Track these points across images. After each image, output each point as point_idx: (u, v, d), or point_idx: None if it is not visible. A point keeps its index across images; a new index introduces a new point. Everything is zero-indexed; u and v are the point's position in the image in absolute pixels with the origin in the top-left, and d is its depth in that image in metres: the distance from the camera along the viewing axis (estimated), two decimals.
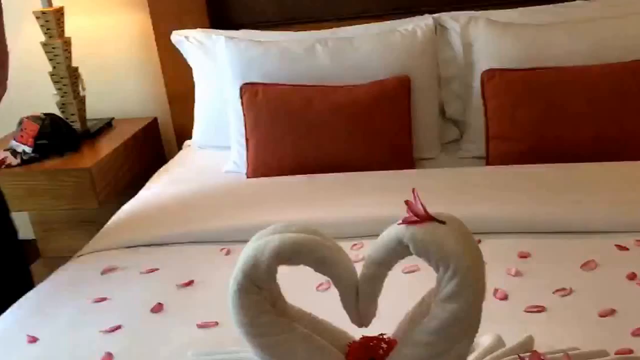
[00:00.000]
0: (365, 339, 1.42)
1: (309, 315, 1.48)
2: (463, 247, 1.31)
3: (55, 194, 3.20)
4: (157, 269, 2.34)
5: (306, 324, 1.43)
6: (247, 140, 3.01)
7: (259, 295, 1.34)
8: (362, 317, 1.40)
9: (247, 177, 2.98)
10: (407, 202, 1.34)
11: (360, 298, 1.38)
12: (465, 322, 1.31)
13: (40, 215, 3.55)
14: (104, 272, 2.36)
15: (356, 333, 1.48)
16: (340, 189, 2.68)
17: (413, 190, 1.36)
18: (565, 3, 3.15)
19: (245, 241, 1.41)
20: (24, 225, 3.51)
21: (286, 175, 2.89)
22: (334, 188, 2.71)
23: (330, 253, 1.35)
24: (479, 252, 1.35)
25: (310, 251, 1.33)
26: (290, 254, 1.32)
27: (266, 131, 2.96)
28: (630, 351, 1.65)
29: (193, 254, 2.42)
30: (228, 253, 2.38)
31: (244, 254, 1.35)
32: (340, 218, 2.42)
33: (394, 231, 1.33)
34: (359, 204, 2.51)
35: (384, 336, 1.43)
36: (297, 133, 2.93)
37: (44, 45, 3.40)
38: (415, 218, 1.32)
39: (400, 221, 1.33)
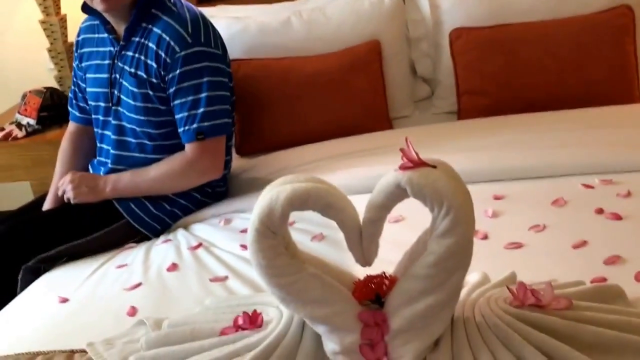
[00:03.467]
0: (369, 277, 1.47)
1: (316, 258, 1.53)
2: (454, 187, 1.36)
3: None
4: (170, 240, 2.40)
5: (316, 265, 1.48)
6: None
7: (274, 239, 1.38)
8: (365, 256, 1.45)
9: (236, 152, 2.96)
10: (402, 150, 1.38)
11: (363, 239, 1.43)
12: (460, 255, 1.37)
13: (41, 185, 3.56)
14: None
15: (359, 274, 1.53)
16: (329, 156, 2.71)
17: (406, 139, 1.40)
18: None
19: None
20: (26, 194, 3.54)
21: (271, 146, 2.92)
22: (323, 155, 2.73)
23: (336, 200, 1.40)
24: (468, 191, 1.41)
25: (319, 198, 1.37)
26: (301, 201, 1.36)
27: (249, 106, 2.95)
28: (604, 279, 1.71)
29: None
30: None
31: (259, 203, 1.39)
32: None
33: (392, 177, 1.38)
34: (348, 166, 2.55)
35: (386, 274, 1.48)
36: (277, 106, 2.94)
37: (42, 23, 3.40)
38: (410, 164, 1.37)
39: (397, 167, 1.38)
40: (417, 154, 1.38)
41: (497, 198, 2.24)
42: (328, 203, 1.38)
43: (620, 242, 1.89)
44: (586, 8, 2.87)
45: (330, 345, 1.42)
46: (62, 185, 2.50)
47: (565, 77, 2.79)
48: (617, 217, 2.00)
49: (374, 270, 1.49)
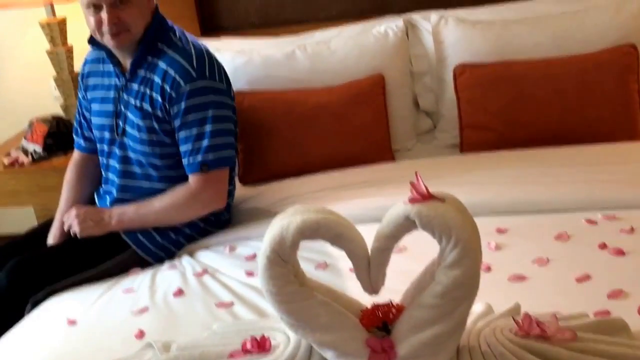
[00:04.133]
0: (377, 305, 1.50)
1: (325, 286, 1.56)
2: (462, 220, 1.40)
3: None
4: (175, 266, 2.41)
5: (324, 292, 1.51)
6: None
7: (284, 267, 1.42)
8: (373, 285, 1.48)
9: (240, 181, 2.99)
10: (411, 184, 1.42)
11: (371, 268, 1.47)
12: (467, 286, 1.41)
13: (44, 210, 3.58)
14: None
15: (366, 302, 1.56)
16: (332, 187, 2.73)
17: (416, 174, 1.44)
18: (529, 0, 3.20)
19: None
20: (30, 219, 3.55)
21: (273, 177, 2.93)
22: (326, 186, 2.75)
23: (345, 230, 1.44)
24: (475, 224, 1.44)
25: (329, 228, 1.41)
26: (312, 231, 1.40)
27: (253, 137, 2.98)
28: (608, 313, 1.72)
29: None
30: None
31: (270, 231, 1.42)
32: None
33: (401, 209, 1.41)
34: (350, 197, 2.57)
35: (392, 302, 1.51)
36: (281, 137, 2.96)
37: (49, 53, 3.44)
38: (419, 197, 1.40)
39: (407, 200, 1.41)
40: (426, 187, 1.41)
41: (500, 231, 2.25)
42: (338, 233, 1.42)
43: (623, 276, 1.90)
44: (591, 46, 2.90)
45: None
46: (68, 220, 2.52)
47: (568, 114, 2.81)
48: (620, 253, 2.02)
49: (376, 298, 1.52)
